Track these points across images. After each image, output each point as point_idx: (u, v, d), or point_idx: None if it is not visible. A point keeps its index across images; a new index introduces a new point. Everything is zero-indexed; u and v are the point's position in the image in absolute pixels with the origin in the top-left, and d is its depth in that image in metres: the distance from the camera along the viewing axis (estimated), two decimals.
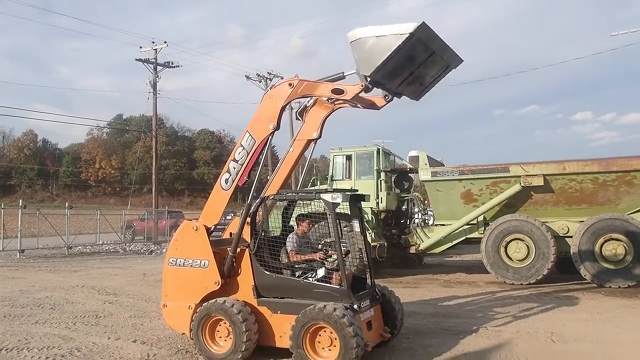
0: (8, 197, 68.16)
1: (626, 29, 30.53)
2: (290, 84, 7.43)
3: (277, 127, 7.55)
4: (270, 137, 7.60)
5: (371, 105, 7.69)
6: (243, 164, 7.54)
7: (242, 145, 7.58)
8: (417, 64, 7.13)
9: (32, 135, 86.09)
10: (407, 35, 6.41)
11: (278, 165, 8.08)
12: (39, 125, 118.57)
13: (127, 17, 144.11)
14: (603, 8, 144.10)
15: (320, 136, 7.74)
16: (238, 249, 7.31)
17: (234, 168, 7.58)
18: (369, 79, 6.80)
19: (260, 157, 7.69)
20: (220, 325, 7.13)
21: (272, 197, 7.53)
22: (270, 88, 7.97)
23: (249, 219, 7.30)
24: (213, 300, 7.17)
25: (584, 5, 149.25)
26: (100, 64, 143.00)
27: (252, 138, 7.54)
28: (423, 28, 6.50)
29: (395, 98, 7.54)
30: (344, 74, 7.31)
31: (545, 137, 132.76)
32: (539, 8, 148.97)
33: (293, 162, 7.92)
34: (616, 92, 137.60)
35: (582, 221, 13.33)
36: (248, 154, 7.54)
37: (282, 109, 7.54)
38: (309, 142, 7.78)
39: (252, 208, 7.31)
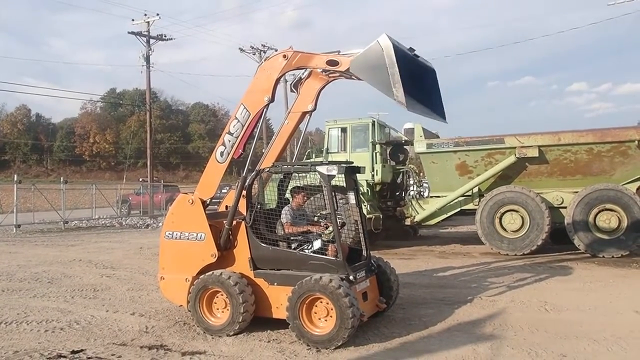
0: (3, 173, 68.10)
1: None
2: (284, 56, 7.37)
3: (272, 100, 7.51)
4: (265, 110, 7.56)
5: None
6: (238, 136, 7.51)
7: (236, 118, 7.54)
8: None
9: (25, 110, 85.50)
10: (392, 98, 6.62)
11: (273, 138, 8.07)
12: (31, 100, 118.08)
13: None
14: None
15: (315, 108, 7.72)
16: (234, 222, 7.34)
17: (229, 141, 7.55)
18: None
19: (255, 129, 7.65)
20: (217, 297, 7.19)
21: (268, 169, 7.53)
22: (265, 60, 7.90)
23: (244, 192, 7.31)
24: (210, 273, 7.21)
25: None
26: (92, 37, 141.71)
27: (247, 110, 7.50)
28: (407, 106, 6.67)
29: None
30: (340, 52, 7.28)
31: (540, 108, 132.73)
32: None
33: (288, 135, 7.92)
34: (612, 62, 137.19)
35: (577, 192, 13.40)
36: (243, 126, 7.50)
37: (277, 81, 7.49)
38: (303, 114, 7.77)
39: (248, 181, 7.31)
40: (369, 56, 6.83)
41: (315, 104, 7.66)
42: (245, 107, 7.50)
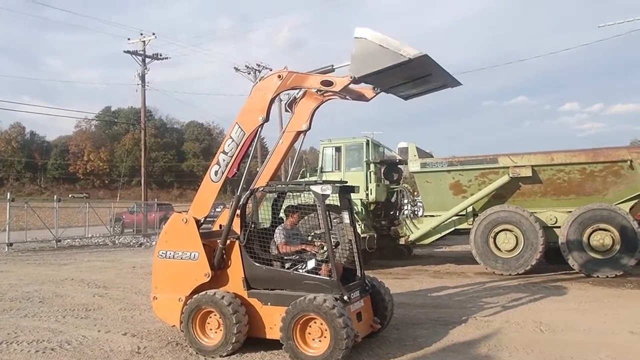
0: None
1: (613, 21, 30.67)
2: (279, 76, 7.39)
3: (267, 119, 7.53)
4: (259, 129, 7.57)
5: (360, 97, 7.71)
6: (232, 155, 7.52)
7: (231, 137, 7.55)
8: (411, 79, 7.27)
9: (19, 127, 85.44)
10: (405, 60, 6.49)
11: (267, 157, 8.07)
12: (26, 118, 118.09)
13: (116, 9, 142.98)
14: None
15: (309, 128, 7.75)
16: (228, 241, 7.31)
17: (224, 160, 7.55)
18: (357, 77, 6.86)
19: (250, 148, 7.66)
20: (210, 317, 7.13)
21: (262, 188, 7.53)
22: (259, 80, 7.94)
23: (238, 211, 7.30)
24: (203, 293, 7.16)
25: None
26: (89, 56, 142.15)
27: (242, 130, 7.51)
28: (423, 59, 6.59)
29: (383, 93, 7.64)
30: (333, 67, 7.32)
31: (534, 127, 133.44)
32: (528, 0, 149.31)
33: (282, 154, 7.93)
34: (604, 83, 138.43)
35: (570, 211, 13.43)
36: (237, 145, 7.50)
37: (272, 101, 7.51)
38: (298, 133, 7.79)
39: (242, 200, 7.30)
40: (359, 53, 6.81)
41: (310, 124, 7.69)
42: (239, 127, 7.52)
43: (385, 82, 7.30)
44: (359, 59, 6.80)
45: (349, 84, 7.01)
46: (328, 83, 7.15)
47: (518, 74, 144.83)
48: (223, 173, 7.55)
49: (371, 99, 7.68)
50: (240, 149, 7.51)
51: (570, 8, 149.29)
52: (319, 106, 7.68)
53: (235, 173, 7.64)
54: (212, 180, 7.62)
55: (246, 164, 7.93)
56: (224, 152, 7.55)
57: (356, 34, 6.80)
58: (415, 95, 8.06)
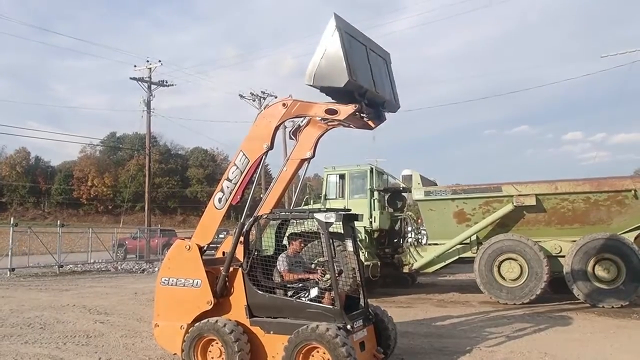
0: None
1: (616, 51, 30.98)
2: (284, 104, 7.46)
3: (271, 147, 7.57)
4: (264, 157, 7.61)
5: (364, 125, 7.74)
6: (237, 183, 7.54)
7: (235, 165, 7.58)
8: (366, 59, 7.38)
9: (24, 152, 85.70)
10: (335, 30, 6.75)
11: (272, 184, 8.08)
12: (32, 143, 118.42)
13: (123, 36, 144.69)
14: (594, 29, 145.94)
15: (313, 156, 7.77)
16: (231, 269, 7.29)
17: (228, 187, 7.58)
18: (355, 84, 6.90)
19: (254, 176, 7.69)
20: (212, 345, 7.09)
21: (266, 216, 7.53)
22: (265, 108, 8.00)
23: (242, 238, 7.29)
24: (205, 320, 7.13)
25: (575, 27, 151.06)
26: (95, 82, 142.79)
27: (246, 157, 7.55)
28: (338, 19, 6.86)
29: (387, 113, 7.73)
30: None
31: (537, 156, 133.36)
32: (530, 29, 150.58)
33: (286, 182, 7.94)
34: (606, 113, 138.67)
35: (575, 241, 13.36)
36: (242, 173, 7.54)
37: (276, 129, 7.56)
38: (302, 161, 7.81)
39: (246, 227, 7.30)
40: (328, 63, 6.90)
41: (314, 152, 7.71)
42: (244, 154, 7.55)
43: (369, 81, 7.34)
44: (332, 78, 6.89)
45: (354, 112, 7.06)
46: (332, 111, 7.20)
47: (521, 104, 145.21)
48: (227, 200, 7.57)
49: (375, 127, 7.71)
50: (245, 177, 7.54)
51: (573, 38, 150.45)
52: (323, 134, 7.72)
53: (239, 200, 7.65)
54: (216, 208, 7.63)
55: (250, 191, 7.95)
56: (228, 179, 7.58)
57: (309, 82, 6.99)
58: (395, 99, 8.14)
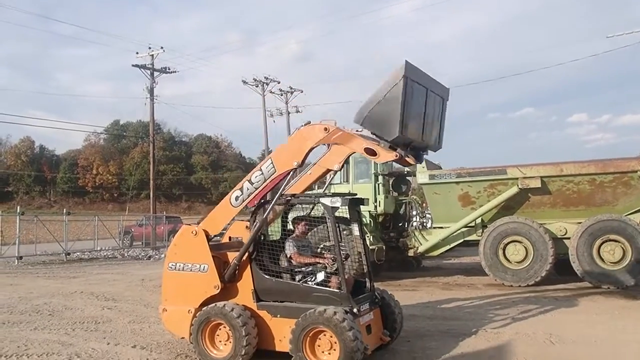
0: (6, 204, 67.97)
1: (622, 31, 30.74)
2: (326, 129, 7.18)
3: (301, 165, 7.40)
4: (290, 172, 7.40)
5: (400, 161, 7.54)
6: (258, 187, 7.41)
7: (261, 170, 7.44)
8: (423, 106, 7.27)
9: (29, 141, 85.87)
10: (402, 79, 6.61)
11: (293, 180, 7.80)
12: (36, 132, 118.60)
13: (125, 23, 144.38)
14: (600, 10, 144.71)
15: (340, 169, 7.84)
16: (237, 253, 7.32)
17: (247, 189, 7.46)
18: (404, 138, 6.89)
19: (278, 186, 7.47)
20: (220, 329, 7.14)
21: (273, 201, 7.51)
22: (306, 125, 7.51)
23: (253, 225, 7.33)
24: (213, 305, 7.18)
25: (581, 7, 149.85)
26: (98, 70, 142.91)
27: (274, 167, 7.38)
28: (409, 67, 6.71)
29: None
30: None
31: (541, 139, 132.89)
32: (535, 11, 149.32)
33: (307, 184, 7.87)
34: (612, 94, 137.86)
35: (580, 222, 13.35)
36: (265, 180, 7.39)
37: (310, 150, 7.37)
38: (328, 170, 7.69)
39: (267, 213, 7.31)
40: (383, 110, 6.84)
41: (342, 166, 7.60)
42: (272, 163, 7.41)
43: (416, 129, 7.26)
44: (383, 126, 6.86)
45: (393, 160, 7.06)
46: (372, 153, 7.00)
47: (525, 86, 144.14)
48: (244, 200, 7.47)
49: (411, 165, 7.72)
50: (267, 184, 7.39)
51: (579, 19, 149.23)
52: (354, 153, 7.52)
53: (255, 205, 7.57)
54: (232, 204, 7.57)
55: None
56: (250, 182, 7.47)
57: (359, 122, 6.99)
58: (441, 134, 8.07)
